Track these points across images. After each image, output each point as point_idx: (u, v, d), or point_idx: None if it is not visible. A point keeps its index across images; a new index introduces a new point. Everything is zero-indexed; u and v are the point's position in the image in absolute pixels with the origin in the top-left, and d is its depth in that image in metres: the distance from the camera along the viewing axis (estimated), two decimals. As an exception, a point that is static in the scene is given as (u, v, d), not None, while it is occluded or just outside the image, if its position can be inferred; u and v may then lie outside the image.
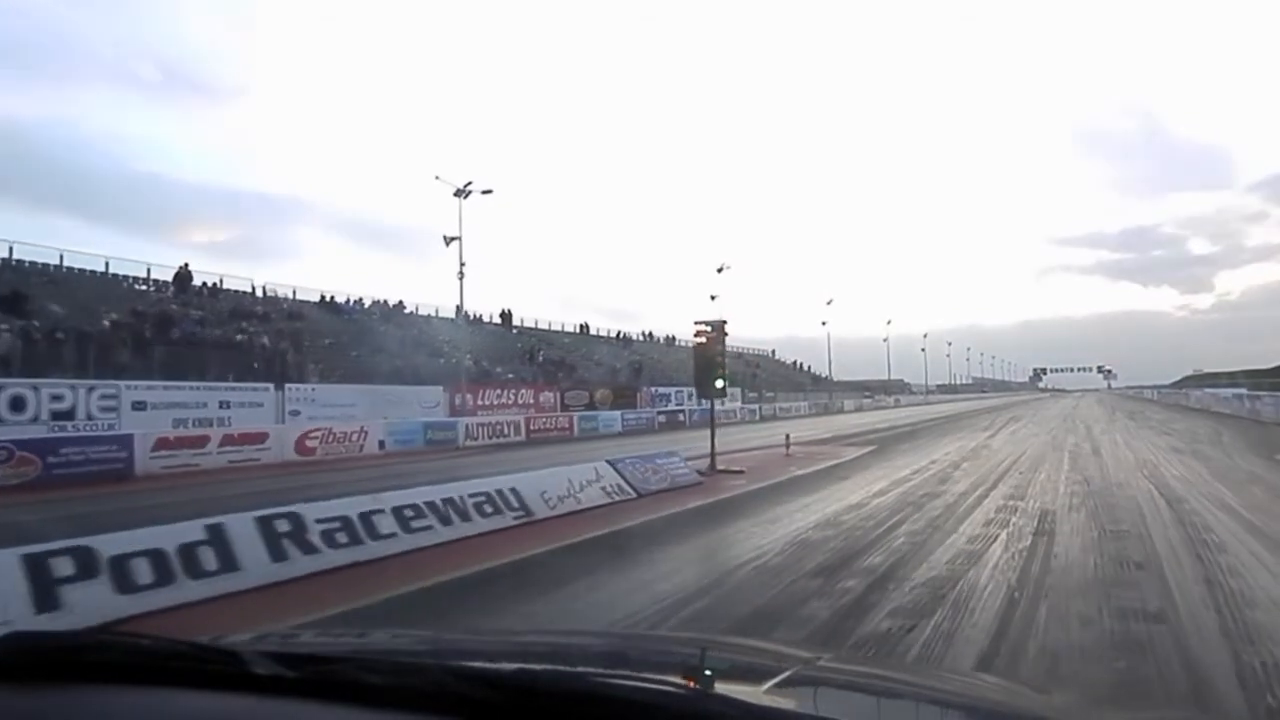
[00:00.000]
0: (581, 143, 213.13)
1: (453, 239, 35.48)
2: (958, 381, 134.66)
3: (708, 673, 1.48)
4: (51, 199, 79.21)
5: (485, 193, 36.51)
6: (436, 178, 34.50)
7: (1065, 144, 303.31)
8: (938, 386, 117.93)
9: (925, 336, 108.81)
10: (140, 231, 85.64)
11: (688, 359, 68.85)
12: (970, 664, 4.42)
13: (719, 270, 56.96)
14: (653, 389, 54.38)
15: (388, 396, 33.93)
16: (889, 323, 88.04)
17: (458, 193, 35.19)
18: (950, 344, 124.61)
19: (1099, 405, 59.77)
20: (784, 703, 1.19)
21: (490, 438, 26.57)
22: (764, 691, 1.18)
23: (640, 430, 34.78)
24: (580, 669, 1.42)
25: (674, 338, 74.04)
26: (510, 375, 45.32)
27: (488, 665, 1.39)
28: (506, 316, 58.39)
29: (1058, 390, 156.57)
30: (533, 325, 60.52)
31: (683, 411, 40.15)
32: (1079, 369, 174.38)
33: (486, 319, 57.18)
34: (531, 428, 28.68)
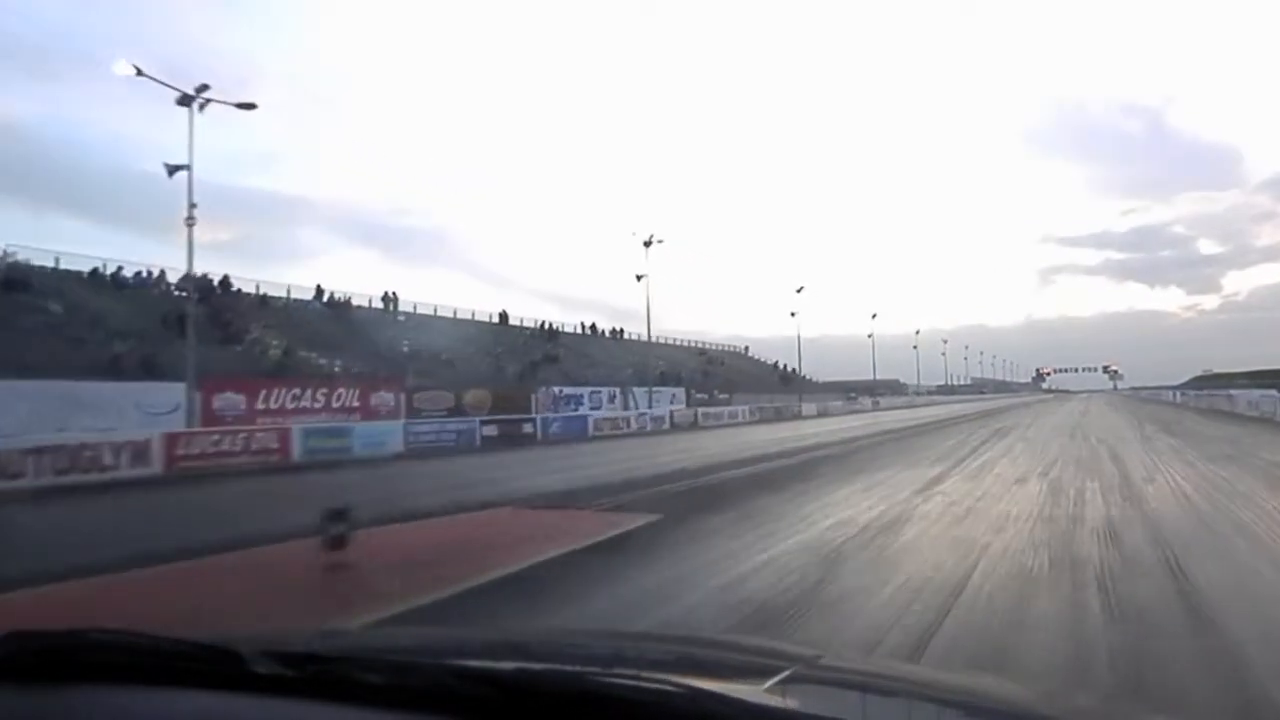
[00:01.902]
0: (571, 132, 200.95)
1: (177, 168, 23.63)
2: (956, 382, 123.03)
3: (708, 672, 1.37)
4: (50, 199, 71.62)
5: (244, 106, 24.79)
6: (138, 71, 22.61)
7: (1072, 143, 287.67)
8: (937, 387, 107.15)
9: (918, 334, 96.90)
10: (140, 231, 77.45)
11: (631, 355, 55.18)
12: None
13: (646, 244, 44.58)
14: (557, 389, 42.27)
15: (80, 397, 22.07)
16: (874, 317, 75.55)
17: (183, 100, 23.35)
18: (946, 342, 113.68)
19: (1113, 410, 46.63)
20: (784, 702, 1.14)
21: (56, 472, 14.45)
22: (764, 691, 1.12)
23: (444, 450, 22.62)
24: (580, 669, 1.31)
25: (621, 330, 61.89)
26: (337, 369, 33.50)
27: (487, 665, 1.29)
28: (390, 300, 46.41)
29: (1062, 391, 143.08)
30: (429, 313, 48.41)
31: (531, 421, 27.79)
32: (1084, 369, 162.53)
33: (369, 304, 45.48)
34: (176, 452, 16.49)
